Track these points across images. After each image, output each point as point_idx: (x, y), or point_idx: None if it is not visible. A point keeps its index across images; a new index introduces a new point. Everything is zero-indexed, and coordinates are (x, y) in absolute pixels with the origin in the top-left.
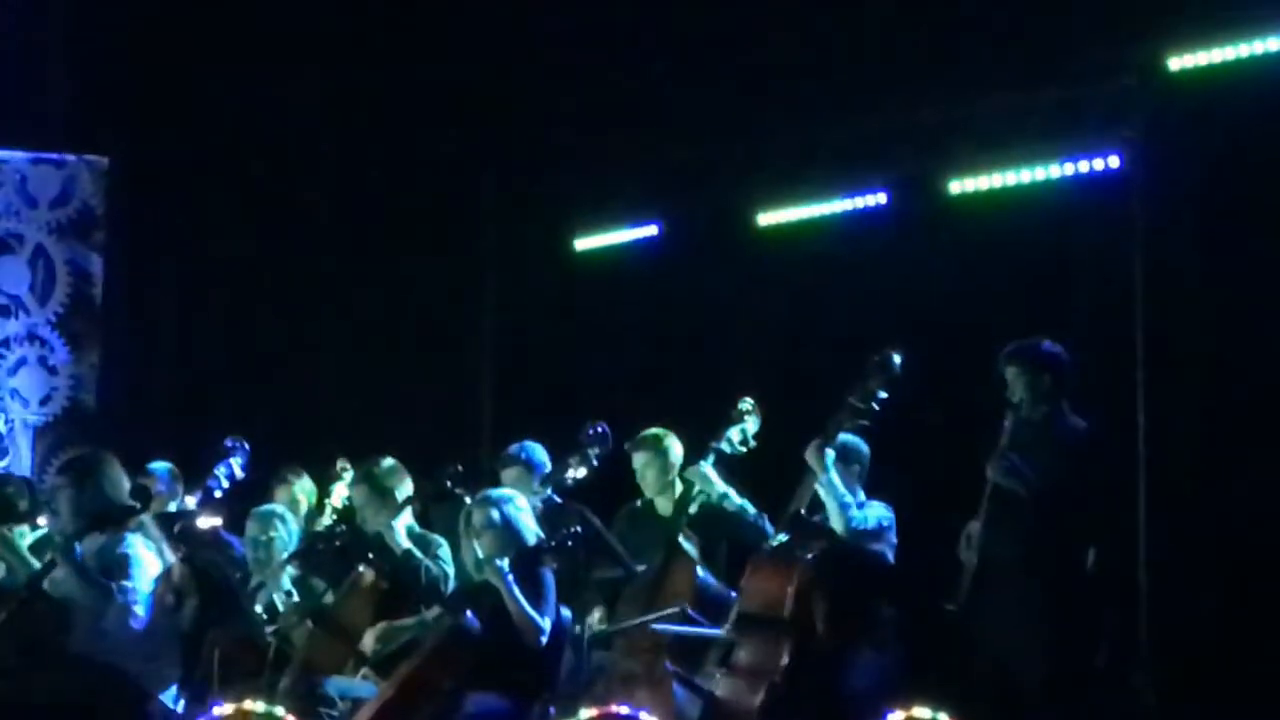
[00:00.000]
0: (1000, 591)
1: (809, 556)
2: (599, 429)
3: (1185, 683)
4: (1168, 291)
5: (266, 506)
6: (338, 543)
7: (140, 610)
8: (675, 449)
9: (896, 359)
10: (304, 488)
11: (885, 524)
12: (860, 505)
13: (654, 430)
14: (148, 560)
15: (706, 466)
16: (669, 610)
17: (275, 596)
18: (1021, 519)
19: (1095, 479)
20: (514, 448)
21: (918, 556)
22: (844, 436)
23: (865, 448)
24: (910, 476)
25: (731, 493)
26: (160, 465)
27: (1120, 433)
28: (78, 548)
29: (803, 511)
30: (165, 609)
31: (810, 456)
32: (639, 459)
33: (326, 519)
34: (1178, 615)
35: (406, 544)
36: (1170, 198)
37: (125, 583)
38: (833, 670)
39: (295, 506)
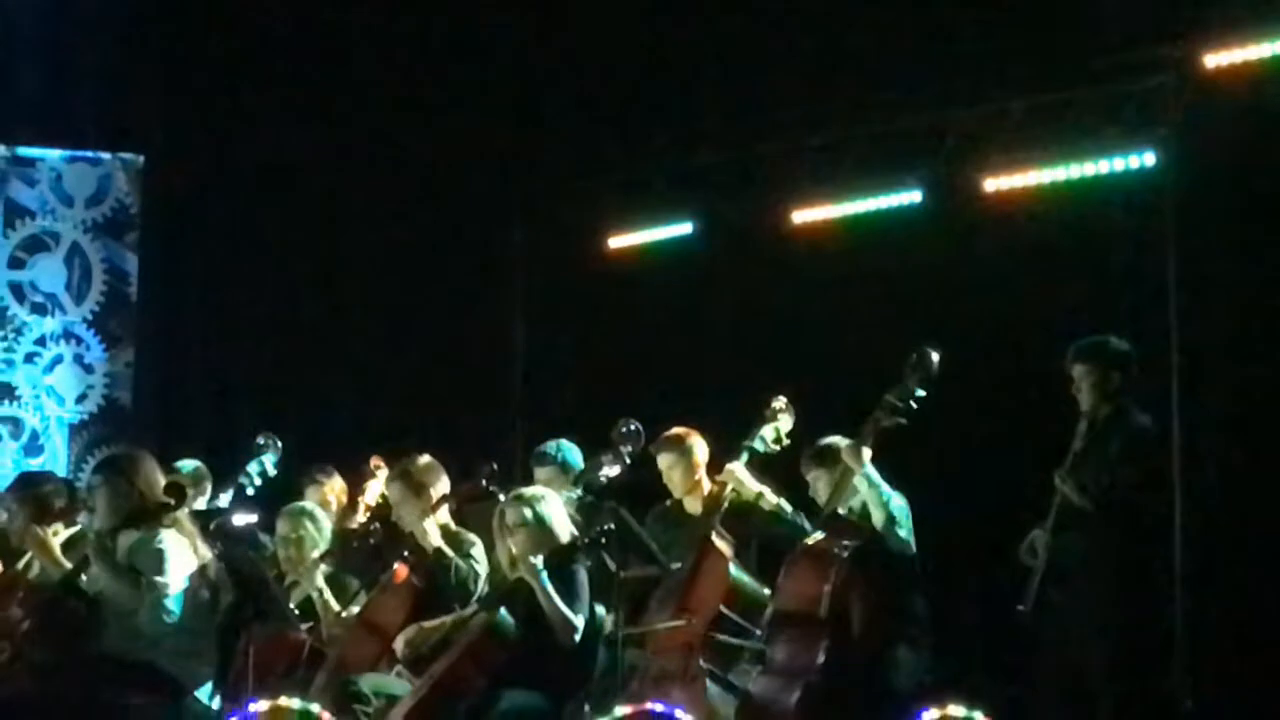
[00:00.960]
0: (1068, 592)
1: (845, 554)
2: (632, 427)
3: (1221, 681)
4: (1202, 287)
5: (296, 504)
6: (372, 540)
7: (173, 606)
8: (700, 448)
9: (934, 357)
10: (335, 487)
11: (906, 514)
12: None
13: (677, 430)
14: (182, 557)
15: (739, 466)
16: (678, 623)
17: (311, 594)
18: (1089, 524)
19: (1160, 477)
20: (549, 446)
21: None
22: (833, 437)
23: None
24: (950, 473)
25: (767, 491)
26: (188, 463)
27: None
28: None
29: (840, 511)
30: (200, 606)
31: (847, 456)
32: (664, 460)
33: (360, 517)
34: (1214, 611)
35: (438, 542)
36: (1205, 194)
37: (158, 579)
38: (870, 668)
39: (326, 506)
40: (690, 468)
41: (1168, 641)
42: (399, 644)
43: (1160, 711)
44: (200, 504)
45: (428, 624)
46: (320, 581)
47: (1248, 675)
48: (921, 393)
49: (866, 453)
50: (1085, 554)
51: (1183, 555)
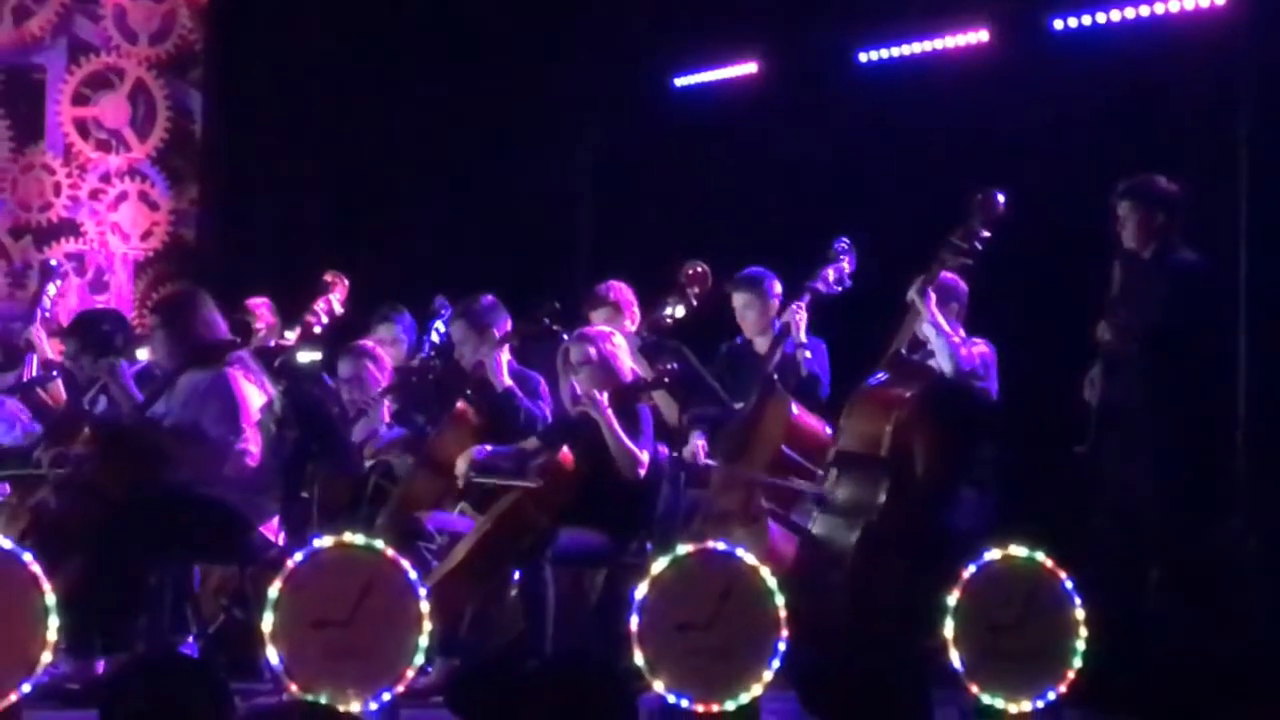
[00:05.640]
0: (1121, 435)
1: (908, 394)
2: (699, 268)
3: None
4: (1274, 131)
5: (355, 344)
6: (431, 376)
7: (254, 448)
8: (776, 289)
9: (1000, 197)
10: (405, 324)
11: (988, 362)
12: (964, 343)
13: (755, 270)
14: (251, 395)
15: (801, 307)
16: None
17: (379, 428)
18: (1137, 365)
19: (1209, 315)
20: (600, 287)
21: (1024, 396)
22: (942, 275)
23: (963, 286)
24: (1016, 314)
25: (805, 348)
26: (259, 300)
27: (1223, 272)
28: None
29: (903, 351)
30: (267, 442)
31: (914, 297)
32: (739, 299)
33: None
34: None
35: (508, 381)
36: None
37: (225, 420)
38: (932, 509)
39: (396, 344)
40: (766, 308)
41: (1232, 485)
42: (461, 465)
43: (1220, 556)
44: (271, 341)
45: (489, 448)
46: (387, 416)
47: None
48: (986, 234)
49: (932, 296)
50: (1139, 397)
51: (1247, 394)
